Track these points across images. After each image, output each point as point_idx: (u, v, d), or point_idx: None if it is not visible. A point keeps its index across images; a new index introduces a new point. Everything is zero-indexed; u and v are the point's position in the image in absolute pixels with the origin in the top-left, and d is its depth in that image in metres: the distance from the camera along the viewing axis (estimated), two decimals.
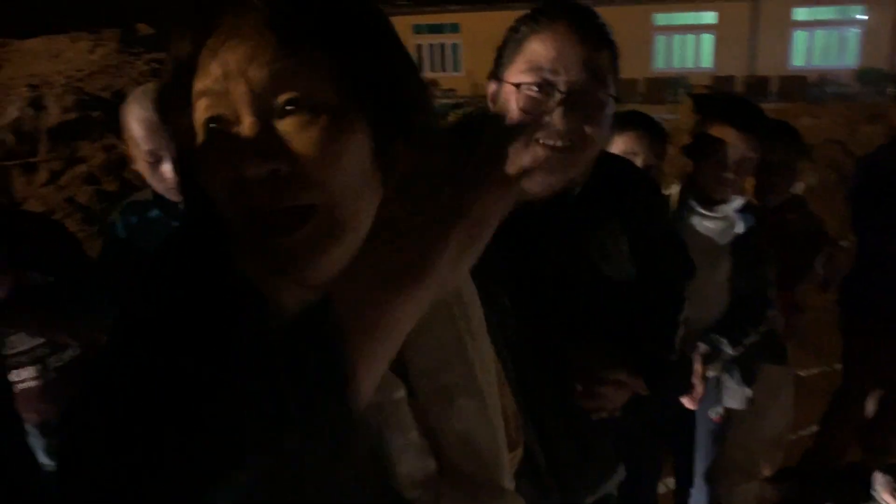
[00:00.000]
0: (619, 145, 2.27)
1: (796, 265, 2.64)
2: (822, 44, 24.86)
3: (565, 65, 1.26)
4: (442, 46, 27.85)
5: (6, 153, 7.20)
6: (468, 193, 0.66)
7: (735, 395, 2.41)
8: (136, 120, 1.93)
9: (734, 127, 2.17)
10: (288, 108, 0.67)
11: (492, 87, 1.38)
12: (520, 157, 0.75)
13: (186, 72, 0.70)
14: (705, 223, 2.26)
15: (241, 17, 0.67)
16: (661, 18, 26.14)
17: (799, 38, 25.04)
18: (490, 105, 1.38)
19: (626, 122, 2.32)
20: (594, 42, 1.29)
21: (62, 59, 10.09)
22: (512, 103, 1.28)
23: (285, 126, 0.67)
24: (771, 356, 2.56)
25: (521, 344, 1.08)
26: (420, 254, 0.63)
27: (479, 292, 0.88)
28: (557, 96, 1.25)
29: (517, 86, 1.27)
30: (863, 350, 2.99)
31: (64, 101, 7.49)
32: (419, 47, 27.96)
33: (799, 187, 2.98)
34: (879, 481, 2.48)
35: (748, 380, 2.41)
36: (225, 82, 0.67)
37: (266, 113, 0.67)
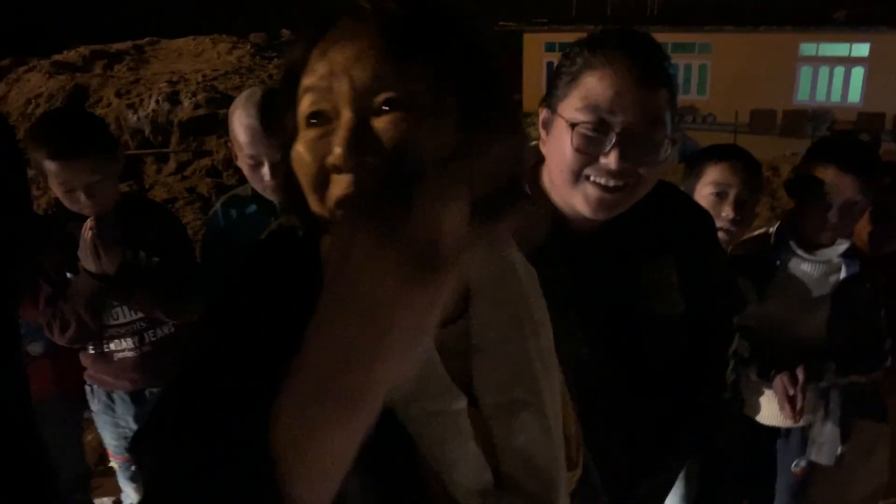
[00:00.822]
0: (712, 175, 2.18)
1: None
2: None
3: (622, 105, 1.22)
4: None
5: (141, 142, 7.70)
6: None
7: (824, 450, 2.24)
8: (240, 125, 2.04)
9: (840, 167, 2.03)
10: (384, 107, 0.71)
11: (543, 113, 1.35)
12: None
13: (297, 71, 0.76)
14: (803, 266, 2.15)
15: (354, 22, 0.73)
16: (808, 48, 25.15)
17: None
18: (541, 131, 1.35)
19: (722, 153, 2.23)
20: (653, 81, 1.25)
21: (202, 58, 10.74)
22: (566, 139, 1.25)
23: (379, 123, 0.71)
24: (869, 411, 2.37)
25: (586, 371, 1.08)
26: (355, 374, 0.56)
27: (550, 317, 0.90)
28: (613, 137, 1.22)
29: (573, 125, 1.24)
30: None
31: (197, 98, 7.95)
32: (550, 64, 28.08)
33: None
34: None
35: (844, 434, 2.25)
36: (330, 79, 0.72)
37: (364, 110, 0.71)
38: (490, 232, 0.81)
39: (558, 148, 1.27)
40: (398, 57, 0.72)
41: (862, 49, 24.42)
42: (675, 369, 1.50)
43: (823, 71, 25.16)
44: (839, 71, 24.93)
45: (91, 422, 2.43)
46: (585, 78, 1.25)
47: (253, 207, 2.16)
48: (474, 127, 0.75)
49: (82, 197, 1.99)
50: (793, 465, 2.29)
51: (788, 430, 2.29)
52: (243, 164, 2.09)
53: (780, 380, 2.12)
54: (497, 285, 0.86)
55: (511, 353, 0.84)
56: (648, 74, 1.24)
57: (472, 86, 0.76)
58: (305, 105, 0.75)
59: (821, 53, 25.10)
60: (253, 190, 2.14)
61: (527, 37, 28.75)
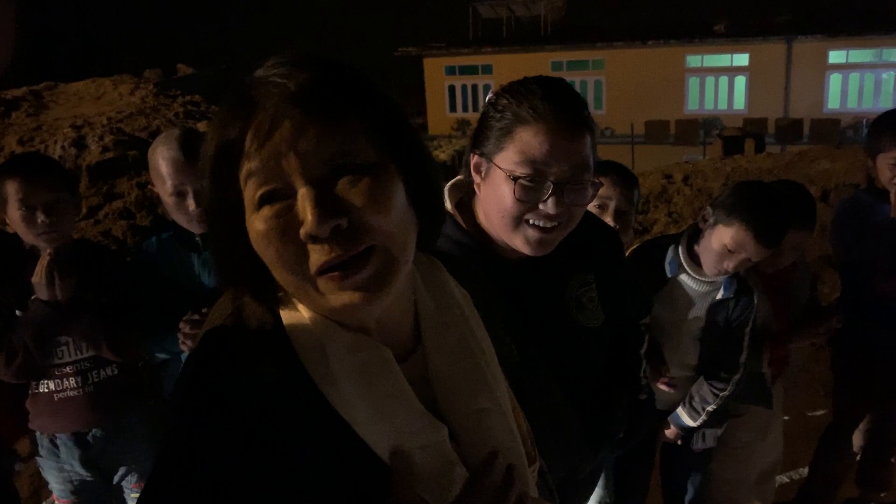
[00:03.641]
0: None
1: (792, 317, 2.69)
2: (857, 87, 24.73)
3: (556, 157, 1.34)
4: (474, 87, 28.22)
5: None
6: None
7: (709, 436, 2.52)
8: (163, 159, 2.13)
9: (756, 238, 2.14)
10: (338, 170, 0.77)
11: (475, 159, 1.44)
12: None
13: (231, 154, 0.78)
14: (690, 282, 2.35)
15: (280, 101, 0.77)
16: (694, 60, 26.20)
17: (834, 80, 24.95)
18: (474, 175, 1.46)
19: (601, 169, 2.39)
20: (580, 131, 1.37)
21: (104, 100, 10.55)
22: (506, 189, 1.37)
23: (339, 186, 0.76)
24: (757, 399, 2.64)
25: (521, 378, 1.21)
26: None
27: (488, 330, 1.02)
28: (550, 186, 1.34)
29: (514, 178, 1.34)
30: (852, 386, 3.03)
31: (104, 141, 7.83)
32: (451, 88, 28.45)
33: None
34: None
35: (719, 421, 2.52)
36: (276, 159, 0.76)
37: (319, 178, 0.76)
38: (430, 260, 0.97)
39: (497, 196, 1.39)
40: (333, 121, 0.77)
41: (742, 59, 25.54)
42: (599, 373, 1.66)
43: (709, 81, 26.16)
44: (724, 80, 25.97)
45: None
46: (519, 133, 1.35)
47: (167, 235, 2.26)
48: (410, 172, 0.85)
49: (41, 217, 2.07)
50: (692, 444, 2.53)
51: None
52: (167, 199, 2.17)
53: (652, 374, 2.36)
54: (442, 313, 0.94)
55: (466, 370, 0.92)
56: (575, 125, 1.36)
57: (394, 132, 0.83)
58: (253, 188, 0.78)
59: (706, 64, 26.07)
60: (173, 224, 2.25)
61: (427, 61, 28.92)
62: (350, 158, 0.77)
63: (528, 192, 1.35)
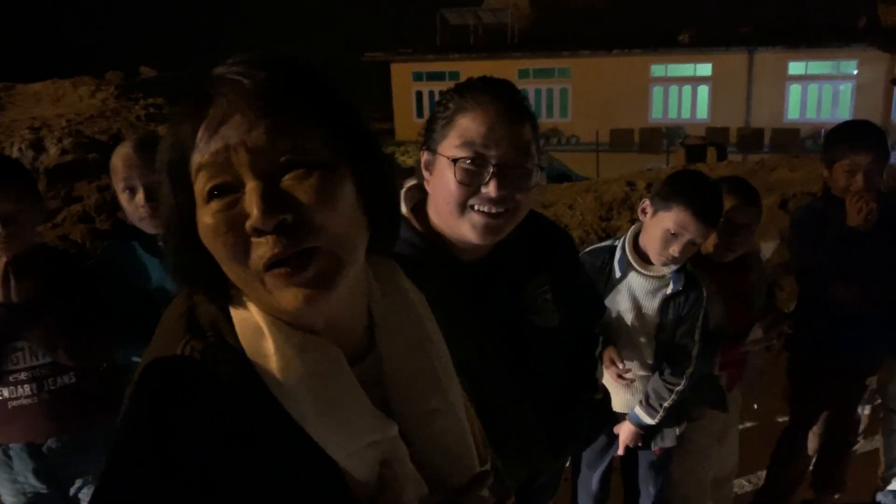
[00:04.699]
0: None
1: (747, 320, 2.73)
2: (815, 98, 25.27)
3: (495, 140, 1.37)
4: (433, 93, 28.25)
5: None
6: None
7: (668, 435, 2.53)
8: (117, 157, 2.18)
9: (694, 214, 2.22)
10: (287, 167, 0.78)
11: (424, 156, 1.49)
12: None
13: (184, 150, 0.79)
14: (638, 279, 2.38)
15: (234, 96, 0.78)
16: (658, 70, 26.56)
17: (794, 91, 25.46)
18: (424, 173, 1.49)
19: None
20: (518, 117, 1.41)
21: (63, 102, 10.37)
22: (449, 174, 1.40)
23: (286, 182, 0.77)
24: (712, 402, 2.67)
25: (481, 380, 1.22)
26: None
27: (445, 336, 1.02)
28: (490, 169, 1.37)
29: (454, 161, 1.39)
30: (808, 390, 3.07)
31: (63, 144, 7.70)
32: (419, 94, 28.48)
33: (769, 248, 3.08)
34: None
35: (677, 420, 2.53)
36: (226, 153, 0.77)
37: (267, 173, 0.77)
38: (387, 262, 0.97)
39: (442, 184, 1.42)
40: (286, 119, 0.78)
41: (705, 69, 25.96)
42: (556, 375, 1.67)
43: (673, 90, 26.53)
44: (687, 90, 26.36)
45: None
46: (460, 119, 1.40)
47: (130, 239, 2.25)
48: (363, 174, 0.85)
49: None
50: (653, 445, 2.54)
51: None
52: (121, 196, 2.19)
53: (608, 372, 2.39)
54: (396, 315, 0.95)
55: (419, 371, 0.94)
56: (513, 112, 1.41)
57: (349, 134, 0.84)
58: (202, 182, 0.78)
59: (669, 74, 26.43)
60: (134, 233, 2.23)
61: (394, 67, 28.93)
62: (300, 156, 0.78)
63: (470, 175, 1.38)
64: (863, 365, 3.00)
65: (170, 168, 0.81)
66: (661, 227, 2.27)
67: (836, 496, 3.34)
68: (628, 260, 2.39)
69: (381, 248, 0.92)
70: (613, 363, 2.39)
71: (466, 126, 1.39)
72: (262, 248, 0.77)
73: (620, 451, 2.54)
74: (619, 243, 2.45)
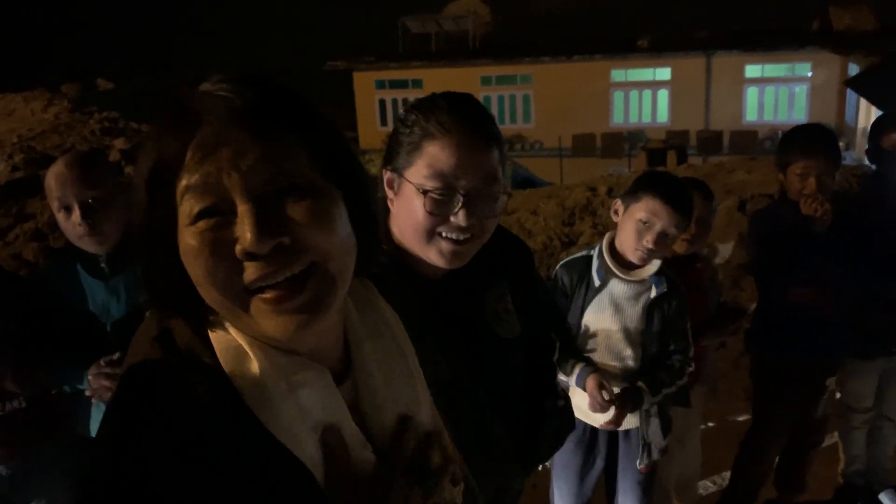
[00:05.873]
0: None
1: (704, 315, 2.76)
2: (772, 100, 25.73)
3: (465, 170, 1.36)
4: (405, 101, 28.28)
5: None
6: None
7: (653, 446, 2.51)
8: (52, 175, 2.09)
9: (663, 201, 2.28)
10: (280, 191, 0.76)
11: (388, 174, 1.47)
12: None
13: (170, 168, 0.77)
14: (619, 285, 2.39)
15: (223, 116, 0.76)
16: (618, 74, 26.84)
17: (751, 94, 25.89)
18: (387, 191, 1.47)
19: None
20: (487, 143, 1.39)
21: (15, 117, 10.15)
22: (417, 203, 1.38)
23: (281, 205, 0.76)
24: (676, 399, 2.66)
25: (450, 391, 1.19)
26: None
27: (417, 350, 1.01)
28: (460, 199, 1.36)
29: (423, 192, 1.37)
30: (769, 391, 3.10)
31: (14, 160, 7.52)
32: (382, 102, 28.45)
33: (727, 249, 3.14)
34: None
35: (666, 430, 2.52)
36: (217, 175, 0.75)
37: (261, 196, 0.75)
38: (361, 280, 0.94)
39: (409, 210, 1.40)
40: (278, 141, 0.77)
41: (664, 73, 26.28)
42: (519, 383, 1.66)
43: (633, 94, 26.80)
44: (647, 94, 26.66)
45: None
46: (427, 147, 1.38)
47: (70, 260, 2.19)
48: (351, 197, 0.84)
49: None
50: (637, 463, 2.51)
51: (627, 432, 2.52)
52: (57, 216, 2.12)
53: (592, 399, 2.34)
54: (373, 336, 0.94)
55: (395, 392, 0.92)
56: (482, 138, 1.39)
57: (336, 155, 0.84)
58: (191, 203, 0.76)
59: (629, 79, 26.72)
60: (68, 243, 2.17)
61: (356, 75, 28.87)
62: (293, 179, 0.77)
63: (439, 205, 1.37)
64: (823, 365, 3.04)
65: (150, 186, 0.78)
66: (632, 219, 2.31)
67: (800, 496, 3.37)
68: (607, 267, 2.40)
69: (362, 271, 0.90)
70: (599, 390, 2.34)
71: (435, 155, 1.37)
72: (255, 272, 0.75)
73: (606, 422, 2.45)
74: (594, 252, 2.46)
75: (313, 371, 0.83)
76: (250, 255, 0.74)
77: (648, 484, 2.60)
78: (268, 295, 0.76)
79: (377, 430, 0.90)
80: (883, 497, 3.39)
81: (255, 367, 0.80)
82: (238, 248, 0.74)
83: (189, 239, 0.76)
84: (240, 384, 0.79)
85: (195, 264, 0.76)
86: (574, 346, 2.44)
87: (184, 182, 0.76)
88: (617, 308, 2.38)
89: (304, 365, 0.82)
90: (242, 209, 0.75)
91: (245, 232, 0.74)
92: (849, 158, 16.16)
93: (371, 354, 0.92)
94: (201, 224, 0.76)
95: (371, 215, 0.90)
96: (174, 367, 0.80)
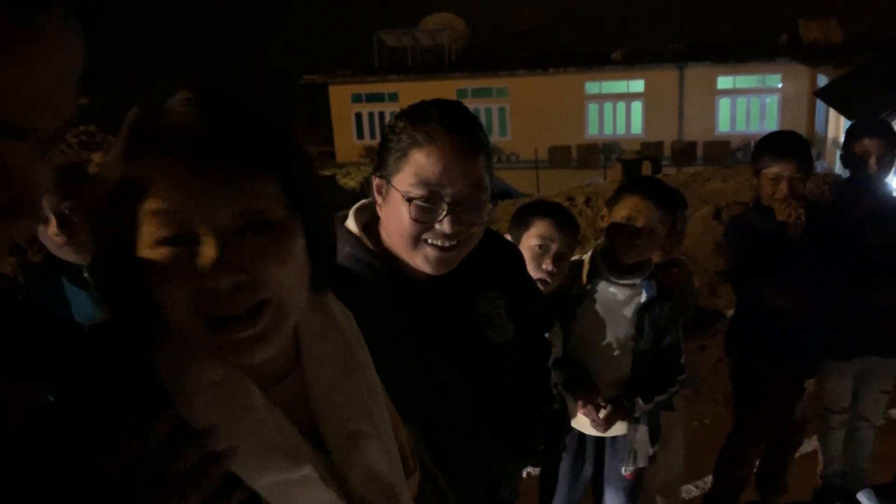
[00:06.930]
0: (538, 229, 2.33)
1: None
2: (744, 110, 26.08)
3: (450, 178, 1.37)
4: (381, 114, 28.30)
5: None
6: None
7: (640, 454, 2.52)
8: None
9: (646, 198, 2.36)
10: (245, 225, 0.77)
11: (377, 181, 1.46)
12: None
13: (137, 189, 0.76)
14: (611, 289, 2.41)
15: (193, 143, 0.75)
16: (592, 87, 27.06)
17: (723, 105, 26.23)
18: (376, 196, 1.48)
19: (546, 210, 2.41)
20: (473, 151, 1.40)
21: None
22: (403, 210, 1.39)
23: (242, 241, 0.76)
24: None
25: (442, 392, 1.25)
26: None
27: (393, 360, 1.03)
28: (445, 207, 1.37)
29: (409, 199, 1.37)
30: (749, 395, 3.15)
31: None
32: (358, 115, 28.44)
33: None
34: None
35: (654, 438, 2.54)
36: (183, 206, 0.74)
37: (226, 231, 0.75)
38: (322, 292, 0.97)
39: (396, 217, 1.41)
40: (247, 176, 0.77)
41: (638, 85, 26.55)
42: (513, 388, 1.68)
43: (608, 107, 27.02)
44: (621, 106, 26.89)
45: None
46: (414, 155, 1.38)
47: (58, 273, 2.16)
48: (311, 222, 0.85)
49: None
50: (623, 470, 2.52)
51: (614, 438, 2.52)
52: (38, 229, 2.08)
53: (588, 408, 2.36)
54: (323, 335, 0.96)
55: (344, 392, 0.94)
56: (468, 146, 1.40)
57: (301, 181, 0.83)
58: (153, 227, 0.76)
59: (604, 91, 26.95)
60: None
61: (332, 89, 28.80)
62: (258, 215, 0.77)
63: (424, 212, 1.38)
64: (800, 368, 3.09)
65: (112, 200, 0.78)
66: (617, 219, 2.37)
67: (780, 498, 3.42)
68: (598, 271, 2.42)
69: (315, 286, 0.92)
70: (593, 404, 2.36)
71: (421, 163, 1.37)
72: (210, 307, 0.76)
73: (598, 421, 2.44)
74: (585, 258, 2.48)
75: (240, 386, 0.84)
76: (211, 290, 0.75)
77: (633, 490, 2.61)
78: (227, 330, 0.78)
79: (325, 428, 0.92)
80: (861, 497, 3.45)
81: (191, 383, 0.81)
82: (197, 283, 0.75)
83: (150, 253, 0.77)
84: (172, 394, 0.80)
85: (158, 287, 0.77)
86: (566, 351, 2.45)
87: (149, 207, 0.76)
88: (608, 311, 2.41)
89: (233, 379, 0.83)
90: (206, 242, 0.75)
91: (206, 265, 0.74)
92: (819, 167, 16.42)
93: (318, 357, 0.94)
94: (164, 250, 0.76)
95: (328, 236, 0.91)
96: (114, 380, 0.80)
